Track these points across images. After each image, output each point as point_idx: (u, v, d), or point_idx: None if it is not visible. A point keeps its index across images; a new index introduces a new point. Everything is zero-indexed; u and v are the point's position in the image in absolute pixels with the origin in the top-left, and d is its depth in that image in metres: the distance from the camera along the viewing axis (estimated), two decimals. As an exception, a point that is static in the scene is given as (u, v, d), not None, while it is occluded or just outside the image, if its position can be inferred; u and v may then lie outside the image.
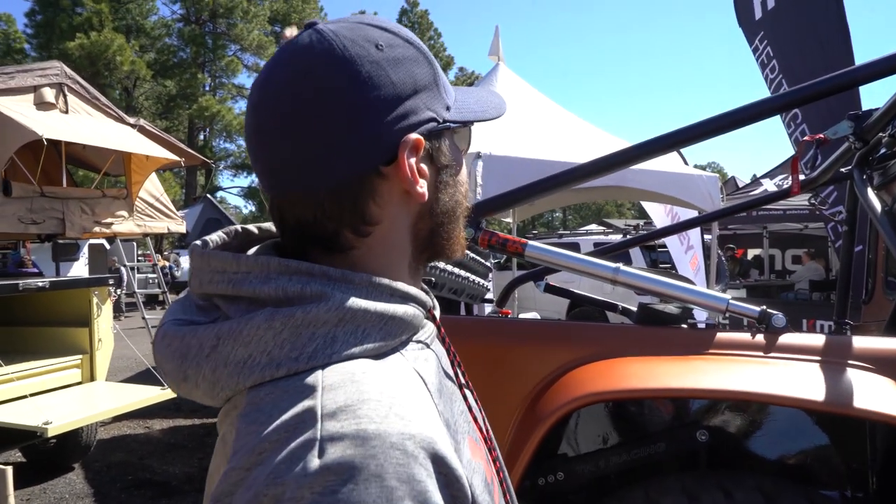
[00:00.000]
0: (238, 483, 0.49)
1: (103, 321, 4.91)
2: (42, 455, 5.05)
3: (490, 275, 2.86)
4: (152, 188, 6.16)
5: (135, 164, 5.73)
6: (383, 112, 0.62)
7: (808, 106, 4.86)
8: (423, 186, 0.64)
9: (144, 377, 6.17)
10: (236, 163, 41.23)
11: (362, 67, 0.61)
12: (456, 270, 2.19)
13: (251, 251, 0.67)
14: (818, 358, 1.26)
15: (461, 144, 0.71)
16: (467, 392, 0.73)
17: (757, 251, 14.40)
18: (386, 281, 0.62)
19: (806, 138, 1.95)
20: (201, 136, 39.27)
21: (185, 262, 20.95)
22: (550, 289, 2.86)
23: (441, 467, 0.51)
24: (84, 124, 5.17)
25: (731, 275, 11.53)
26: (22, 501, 4.51)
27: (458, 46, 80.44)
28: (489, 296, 3.20)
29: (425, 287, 0.74)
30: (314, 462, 0.47)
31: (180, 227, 6.57)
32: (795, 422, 1.50)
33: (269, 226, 0.72)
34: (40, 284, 4.62)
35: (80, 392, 4.65)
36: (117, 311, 16.98)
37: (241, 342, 0.56)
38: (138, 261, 18.84)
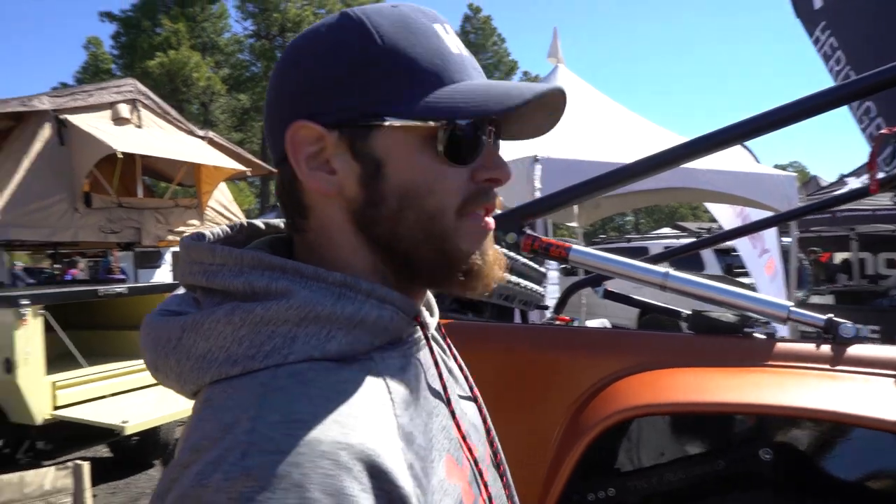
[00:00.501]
0: (174, 480, 0.48)
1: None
2: (127, 451, 5.31)
3: (545, 280, 2.79)
4: (221, 197, 6.40)
5: (205, 174, 5.97)
6: (296, 99, 0.62)
7: (883, 96, 4.54)
8: (318, 177, 0.61)
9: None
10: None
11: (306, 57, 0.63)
12: (506, 276, 2.15)
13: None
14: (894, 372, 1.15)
15: (429, 145, 0.61)
16: (464, 406, 0.71)
17: (846, 255, 13.56)
18: (364, 283, 0.59)
19: (883, 131, 1.80)
20: (273, 147, 40.57)
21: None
22: (610, 295, 2.77)
23: (383, 483, 0.48)
24: (157, 137, 5.42)
25: (815, 280, 10.92)
26: (107, 495, 4.75)
27: (522, 51, 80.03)
28: (548, 302, 3.13)
29: (429, 297, 0.71)
30: (237, 466, 0.45)
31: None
32: (872, 442, 1.38)
33: (278, 222, 0.71)
34: (119, 290, 4.87)
35: (157, 393, 4.86)
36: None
37: (202, 336, 0.55)
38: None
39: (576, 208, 7.93)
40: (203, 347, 0.55)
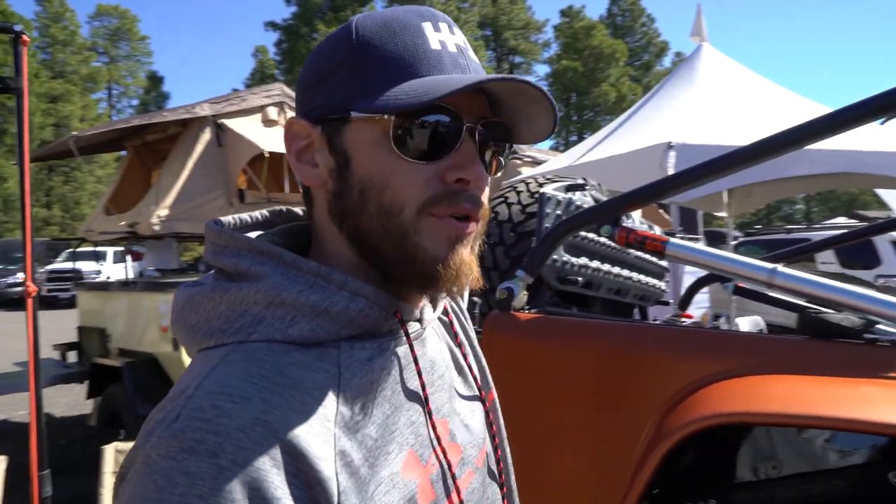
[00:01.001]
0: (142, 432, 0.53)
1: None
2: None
3: (667, 275, 2.63)
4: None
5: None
6: (298, 97, 0.67)
7: None
8: (305, 171, 0.65)
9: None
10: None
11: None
12: (615, 269, 2.05)
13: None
14: None
15: (386, 139, 0.60)
16: (459, 405, 0.71)
17: None
18: (338, 275, 0.61)
19: None
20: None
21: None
22: (741, 291, 2.56)
23: (300, 464, 0.51)
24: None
25: None
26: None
27: (674, 31, 75.54)
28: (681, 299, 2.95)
29: (427, 296, 0.70)
30: (170, 428, 0.50)
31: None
32: None
33: None
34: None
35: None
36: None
37: (193, 308, 0.61)
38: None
39: (725, 196, 7.38)
40: (193, 319, 0.61)
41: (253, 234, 0.65)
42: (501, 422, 0.80)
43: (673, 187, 1.48)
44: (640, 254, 2.27)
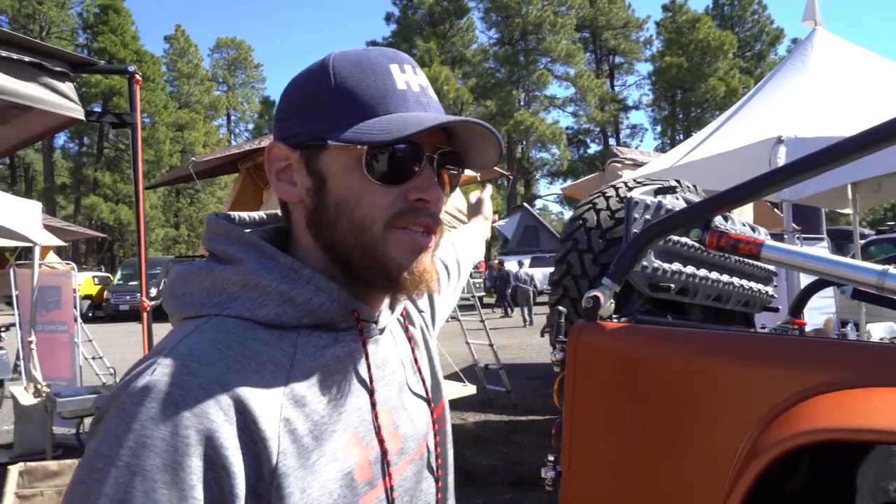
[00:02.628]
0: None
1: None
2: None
3: (775, 279, 2.46)
4: (457, 202, 6.78)
5: (441, 181, 6.38)
6: (277, 124, 0.77)
7: None
8: (284, 188, 0.75)
9: (456, 376, 6.81)
10: (552, 170, 42.84)
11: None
12: (712, 275, 1.95)
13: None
14: None
15: (359, 165, 0.70)
16: (408, 400, 0.81)
17: None
18: (308, 270, 0.71)
19: None
20: (519, 149, 41.68)
21: (509, 266, 22.31)
22: (860, 295, 2.35)
23: (247, 421, 0.60)
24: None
25: None
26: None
27: (789, 17, 70.62)
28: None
29: (403, 298, 0.80)
30: (143, 379, 0.59)
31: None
32: None
33: None
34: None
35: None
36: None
37: (182, 282, 0.72)
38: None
39: (849, 192, 6.81)
40: (180, 291, 0.72)
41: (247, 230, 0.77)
42: (448, 427, 0.89)
43: (766, 186, 1.39)
44: (739, 258, 2.14)
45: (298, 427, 0.64)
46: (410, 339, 0.88)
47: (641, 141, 47.26)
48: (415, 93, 0.73)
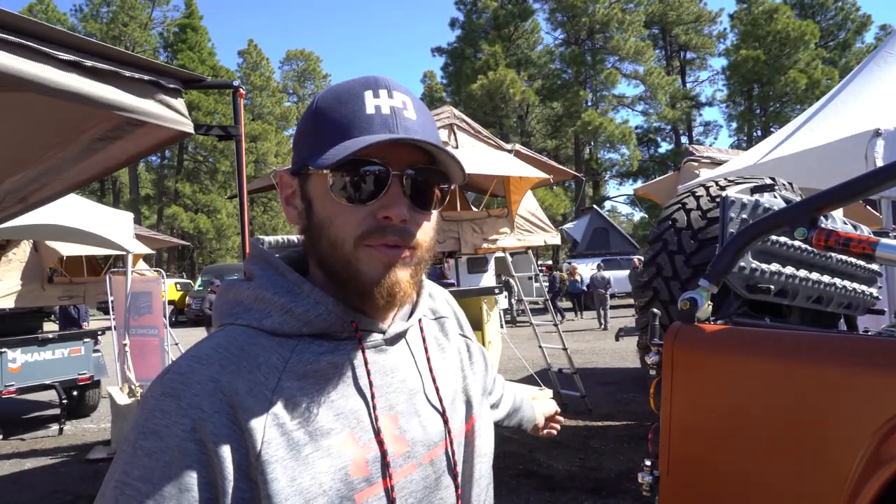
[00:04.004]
0: None
1: (492, 325, 5.58)
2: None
3: (879, 280, 2.33)
4: (529, 205, 6.76)
5: (513, 185, 6.39)
6: (292, 157, 0.85)
7: None
8: (290, 213, 0.83)
9: (530, 380, 6.76)
10: (621, 171, 41.94)
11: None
12: (813, 276, 1.87)
13: None
14: None
15: (333, 188, 0.76)
16: (421, 407, 0.84)
17: None
18: (308, 285, 0.78)
19: None
20: (587, 150, 41.05)
21: (580, 270, 21.97)
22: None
23: (237, 413, 0.69)
24: (471, 155, 5.99)
25: None
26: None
27: (877, 3, 66.51)
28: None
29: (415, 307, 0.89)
30: (161, 378, 0.71)
31: (555, 239, 7.04)
32: None
33: None
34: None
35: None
36: (511, 318, 19.04)
37: (218, 296, 0.83)
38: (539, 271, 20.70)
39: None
40: (217, 304, 0.83)
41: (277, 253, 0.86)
42: (481, 442, 0.92)
43: (885, 181, 1.31)
44: (844, 257, 2.04)
45: (287, 422, 0.71)
46: (427, 349, 0.90)
47: (716, 138, 45.51)
48: (383, 115, 0.76)
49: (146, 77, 1.38)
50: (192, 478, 0.66)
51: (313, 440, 0.72)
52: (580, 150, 39.21)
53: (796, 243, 1.82)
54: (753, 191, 1.79)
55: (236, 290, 0.81)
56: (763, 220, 1.45)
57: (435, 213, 0.83)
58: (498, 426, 1.28)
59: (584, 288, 20.21)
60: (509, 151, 6.44)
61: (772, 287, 1.71)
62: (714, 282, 1.49)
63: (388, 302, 0.77)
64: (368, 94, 0.77)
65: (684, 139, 42.10)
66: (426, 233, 0.80)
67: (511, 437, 6.35)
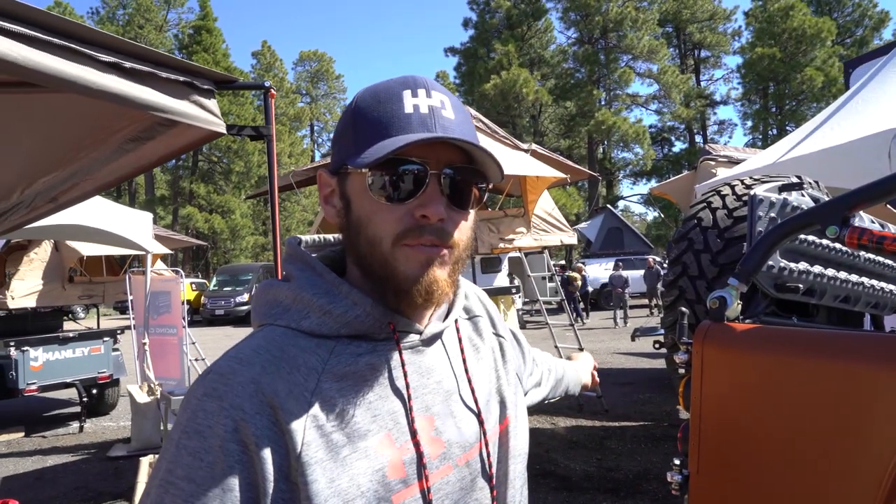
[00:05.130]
0: None
1: (510, 325, 5.57)
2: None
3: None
4: (545, 205, 6.75)
5: (529, 184, 6.38)
6: (331, 156, 0.85)
7: None
8: (329, 211, 0.84)
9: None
10: (635, 171, 41.71)
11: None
12: (841, 275, 1.86)
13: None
14: None
15: (371, 187, 0.76)
16: (456, 409, 0.84)
17: None
18: (346, 286, 0.79)
19: None
20: (600, 149, 40.86)
21: (590, 270, 21.89)
22: None
23: (277, 413, 0.69)
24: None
25: None
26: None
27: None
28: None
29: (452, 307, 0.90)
30: (203, 378, 0.73)
31: (572, 239, 7.03)
32: None
33: None
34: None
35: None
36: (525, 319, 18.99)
37: (256, 297, 0.84)
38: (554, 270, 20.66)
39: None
40: (255, 304, 0.84)
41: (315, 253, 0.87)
42: (516, 443, 0.92)
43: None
44: (871, 256, 2.02)
45: (326, 424, 0.72)
46: (462, 350, 0.90)
47: (731, 137, 45.15)
48: (421, 115, 0.77)
49: (181, 78, 1.40)
50: (234, 478, 0.67)
51: (351, 442, 0.72)
52: (594, 150, 39.04)
53: (824, 242, 1.81)
54: (781, 189, 1.78)
55: (275, 291, 0.81)
56: (794, 218, 1.45)
57: (472, 213, 0.82)
58: (545, 403, 1.30)
59: (588, 288, 20.16)
60: (526, 151, 6.43)
61: (800, 286, 1.71)
62: (744, 280, 1.49)
63: (426, 301, 0.77)
64: (407, 94, 0.78)
65: (698, 138, 41.79)
66: (463, 232, 0.80)
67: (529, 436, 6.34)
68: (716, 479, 1.43)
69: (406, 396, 0.79)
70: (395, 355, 0.80)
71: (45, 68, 1.13)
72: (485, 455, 0.86)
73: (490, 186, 0.85)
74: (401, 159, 0.74)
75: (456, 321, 0.92)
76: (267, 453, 0.68)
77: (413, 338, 0.82)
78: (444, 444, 0.81)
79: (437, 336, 0.86)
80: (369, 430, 0.74)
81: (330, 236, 0.91)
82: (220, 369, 0.72)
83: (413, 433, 0.78)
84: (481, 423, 0.87)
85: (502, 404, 0.94)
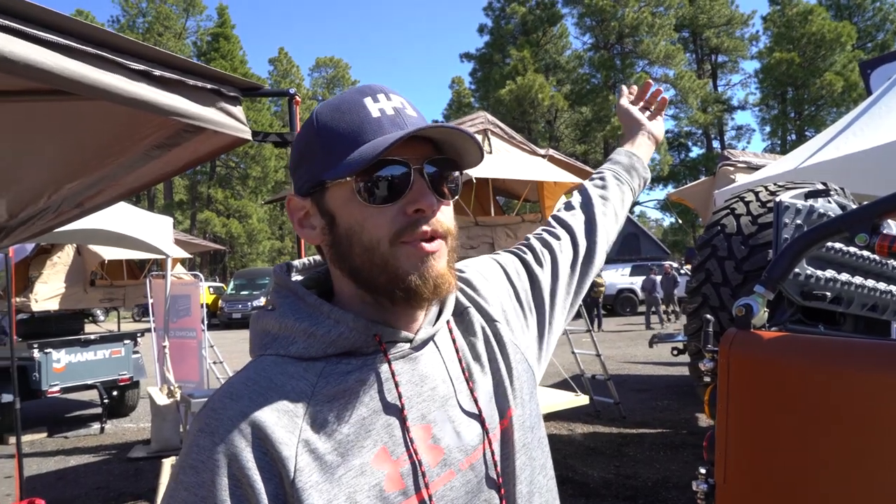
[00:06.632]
0: None
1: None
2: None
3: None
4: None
5: (546, 190, 6.37)
6: (292, 177, 0.87)
7: None
8: (307, 234, 0.84)
9: (564, 384, 6.72)
10: (651, 176, 41.43)
11: None
12: (869, 282, 1.83)
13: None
14: None
15: (354, 194, 0.77)
16: (454, 415, 0.83)
17: None
18: (327, 306, 0.79)
19: None
20: (616, 155, 40.54)
21: (606, 276, 21.73)
22: None
23: (266, 445, 0.70)
24: (504, 161, 6.00)
25: None
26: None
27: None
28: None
29: (442, 315, 0.88)
30: (200, 413, 0.75)
31: (589, 244, 6.97)
32: None
33: None
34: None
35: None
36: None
37: (250, 330, 0.85)
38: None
39: None
40: (250, 337, 0.85)
41: (298, 277, 0.87)
42: (521, 435, 0.88)
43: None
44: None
45: (319, 446, 0.73)
46: (457, 350, 0.89)
47: (748, 143, 44.81)
48: (389, 116, 0.78)
49: (208, 85, 1.42)
50: None
51: (346, 461, 0.73)
52: (609, 155, 38.87)
53: (851, 249, 1.79)
54: (807, 196, 1.76)
55: (263, 322, 0.82)
56: (822, 225, 1.43)
57: (452, 202, 0.84)
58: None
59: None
60: (543, 156, 6.43)
61: (827, 294, 1.69)
62: (770, 288, 1.48)
63: (434, 295, 0.78)
64: (368, 100, 0.79)
65: (716, 143, 41.49)
66: (451, 220, 0.82)
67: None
68: (743, 489, 1.41)
69: (400, 407, 0.78)
70: (385, 367, 0.80)
71: (79, 77, 1.15)
72: (489, 455, 0.85)
73: (461, 174, 0.86)
74: (385, 160, 0.75)
75: (448, 322, 0.91)
76: (259, 484, 0.69)
77: (403, 346, 0.82)
78: (444, 450, 0.80)
79: (427, 341, 0.86)
80: (364, 446, 0.74)
81: (316, 257, 0.91)
82: (213, 404, 0.74)
83: (408, 444, 0.77)
84: (482, 423, 0.85)
85: (503, 397, 0.91)
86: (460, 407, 0.85)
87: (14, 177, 2.37)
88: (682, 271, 18.96)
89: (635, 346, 13.54)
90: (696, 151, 42.62)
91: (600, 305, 18.25)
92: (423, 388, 0.82)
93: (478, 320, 0.94)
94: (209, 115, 1.42)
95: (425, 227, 0.77)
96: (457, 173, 0.84)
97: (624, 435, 6.56)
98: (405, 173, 0.77)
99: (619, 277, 21.86)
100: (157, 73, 1.30)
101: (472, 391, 0.86)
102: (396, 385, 0.79)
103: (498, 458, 0.86)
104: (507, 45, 38.96)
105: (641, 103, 1.39)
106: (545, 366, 1.07)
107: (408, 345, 0.82)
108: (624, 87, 1.41)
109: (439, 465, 0.79)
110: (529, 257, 1.09)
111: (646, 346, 10.89)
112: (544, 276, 1.08)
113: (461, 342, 0.91)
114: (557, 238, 1.14)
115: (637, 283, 21.44)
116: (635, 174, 1.33)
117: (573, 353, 7.38)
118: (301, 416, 0.73)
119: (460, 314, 0.94)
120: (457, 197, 0.85)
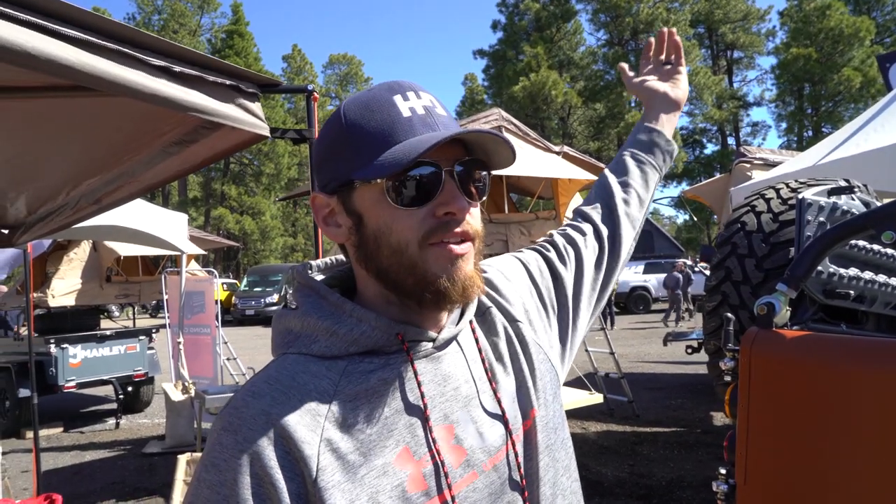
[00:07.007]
0: None
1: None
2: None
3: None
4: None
5: (561, 187, 6.35)
6: (314, 175, 0.85)
7: None
8: (332, 232, 0.83)
9: (578, 382, 6.70)
10: (665, 173, 41.14)
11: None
12: (892, 281, 1.80)
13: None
14: None
15: (384, 195, 0.76)
16: (478, 415, 0.81)
17: None
18: (350, 305, 0.79)
19: None
20: (629, 152, 40.30)
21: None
22: None
23: (288, 444, 0.70)
24: (519, 158, 5.96)
25: None
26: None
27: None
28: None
29: (455, 316, 0.86)
30: (223, 412, 0.74)
31: (603, 241, 6.94)
32: None
33: None
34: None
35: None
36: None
37: (273, 329, 0.84)
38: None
39: None
40: (272, 336, 0.84)
41: (319, 276, 0.87)
42: (544, 437, 0.87)
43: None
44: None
45: (341, 446, 0.72)
46: (480, 351, 0.88)
47: (764, 139, 44.28)
48: (420, 116, 0.77)
49: (227, 82, 1.42)
50: None
51: (368, 460, 0.72)
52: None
53: (875, 246, 1.76)
54: (830, 193, 1.73)
55: (285, 320, 0.82)
56: (847, 222, 1.41)
57: (479, 203, 0.83)
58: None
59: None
60: (557, 153, 6.40)
61: (850, 292, 1.66)
62: (793, 286, 1.46)
63: (464, 297, 0.77)
64: (398, 98, 0.78)
65: (731, 140, 41.12)
66: (479, 222, 0.81)
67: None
68: (765, 490, 1.40)
69: (422, 407, 0.78)
70: (408, 367, 0.79)
71: (101, 73, 1.16)
72: (512, 457, 0.84)
73: (490, 174, 0.84)
74: (417, 162, 0.74)
75: (471, 322, 0.90)
76: (282, 483, 0.69)
77: (426, 346, 0.81)
78: (467, 451, 0.79)
79: (450, 340, 0.84)
80: (386, 446, 0.74)
81: (331, 258, 0.91)
82: (236, 403, 0.74)
83: (431, 444, 0.76)
84: (506, 423, 0.84)
85: (527, 397, 0.89)
86: (483, 407, 0.83)
87: (34, 174, 2.39)
88: (695, 269, 18.83)
89: (649, 343, 13.47)
90: (710, 148, 42.30)
91: (612, 303, 18.15)
92: (445, 387, 0.81)
93: (500, 320, 0.93)
94: (228, 111, 1.42)
95: (457, 230, 0.76)
96: (484, 173, 0.82)
97: (638, 433, 6.53)
98: (436, 175, 0.76)
99: (633, 275, 21.75)
100: (178, 69, 1.30)
101: (495, 391, 0.85)
102: (419, 385, 0.78)
103: (521, 459, 0.84)
104: (521, 42, 38.83)
105: (662, 57, 1.27)
106: (569, 365, 1.05)
107: (430, 344, 0.81)
108: (624, 65, 1.34)
109: (462, 465, 0.78)
110: (552, 254, 1.06)
111: (659, 344, 10.82)
112: (568, 273, 1.05)
113: (484, 342, 0.90)
114: (582, 233, 1.10)
115: (650, 280, 21.33)
116: (658, 150, 1.21)
117: (587, 351, 7.36)
118: (323, 414, 0.73)
119: (482, 314, 0.93)
120: (485, 197, 0.83)
